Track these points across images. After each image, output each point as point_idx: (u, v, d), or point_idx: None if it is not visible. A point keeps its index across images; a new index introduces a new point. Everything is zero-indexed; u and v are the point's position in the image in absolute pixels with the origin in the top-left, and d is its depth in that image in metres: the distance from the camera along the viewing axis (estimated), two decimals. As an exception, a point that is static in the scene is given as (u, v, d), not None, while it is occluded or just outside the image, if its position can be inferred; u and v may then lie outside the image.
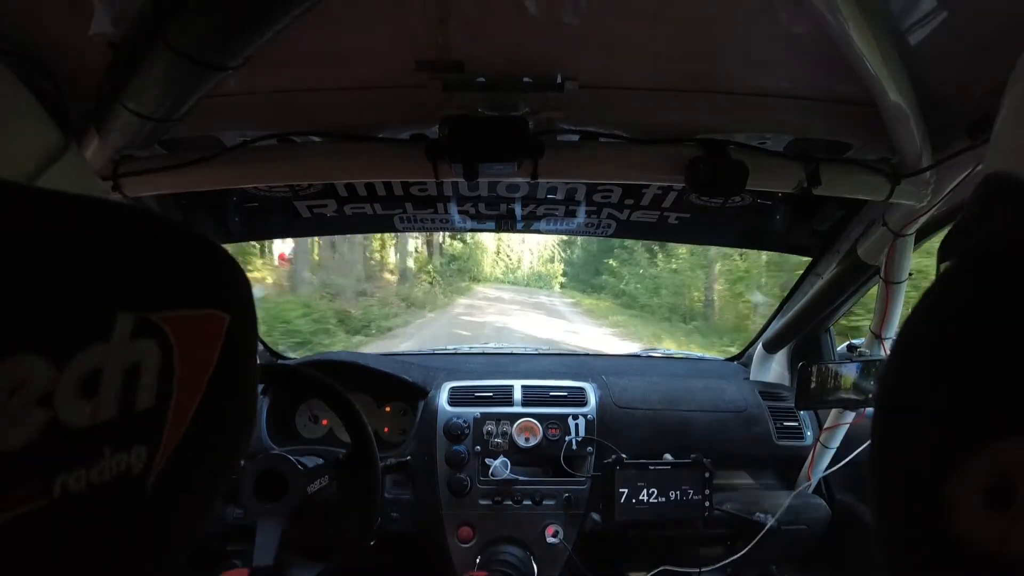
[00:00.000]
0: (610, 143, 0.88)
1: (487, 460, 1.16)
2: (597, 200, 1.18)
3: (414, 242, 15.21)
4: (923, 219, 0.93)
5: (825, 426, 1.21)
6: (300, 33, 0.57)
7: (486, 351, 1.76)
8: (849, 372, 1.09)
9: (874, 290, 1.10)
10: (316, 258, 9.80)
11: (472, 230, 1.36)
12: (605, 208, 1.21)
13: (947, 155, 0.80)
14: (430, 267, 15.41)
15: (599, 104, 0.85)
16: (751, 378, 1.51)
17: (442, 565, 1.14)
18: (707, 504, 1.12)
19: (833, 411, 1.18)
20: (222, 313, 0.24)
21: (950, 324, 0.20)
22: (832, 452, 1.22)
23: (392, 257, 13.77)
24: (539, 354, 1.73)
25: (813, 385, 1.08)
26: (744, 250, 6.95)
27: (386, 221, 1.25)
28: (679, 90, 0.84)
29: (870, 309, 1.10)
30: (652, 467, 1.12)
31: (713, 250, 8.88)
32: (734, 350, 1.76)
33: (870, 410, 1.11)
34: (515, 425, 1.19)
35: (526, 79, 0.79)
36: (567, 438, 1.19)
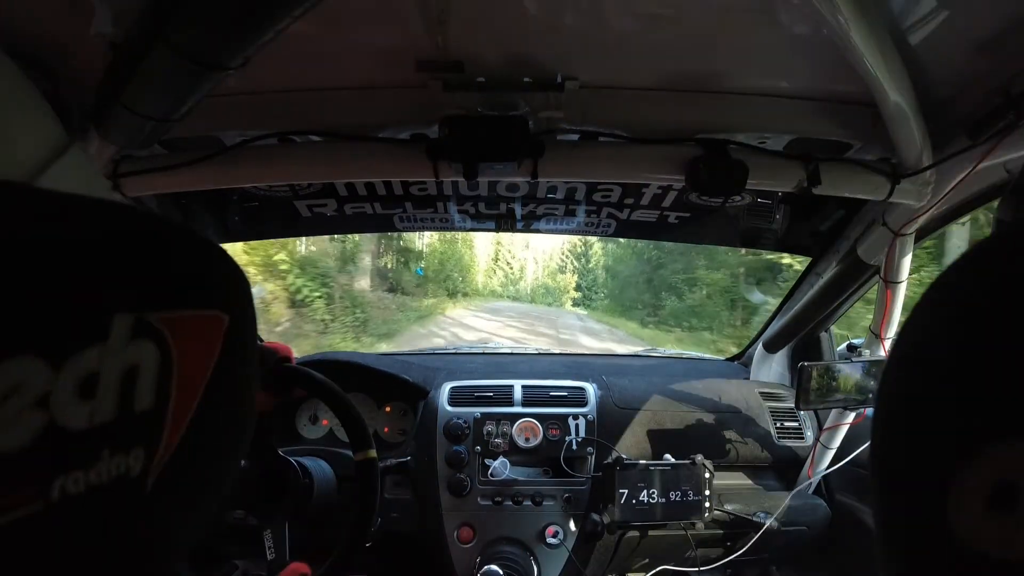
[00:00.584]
0: (610, 143, 0.88)
1: (487, 460, 1.16)
2: (597, 199, 1.18)
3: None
4: (923, 219, 0.93)
5: (825, 426, 1.21)
6: (300, 33, 0.57)
7: (486, 351, 1.76)
8: (849, 372, 1.09)
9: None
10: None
11: (472, 229, 1.36)
12: (605, 207, 1.21)
13: (947, 155, 0.80)
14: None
15: (599, 104, 0.85)
16: (751, 378, 1.51)
17: (442, 565, 1.14)
18: (707, 504, 1.12)
19: (833, 411, 1.18)
20: (221, 314, 0.24)
21: (951, 324, 0.20)
22: (832, 452, 1.21)
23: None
24: (539, 354, 1.73)
25: (813, 385, 1.08)
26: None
27: (386, 221, 1.25)
28: (679, 90, 0.84)
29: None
30: (652, 467, 1.12)
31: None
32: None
33: (870, 410, 1.11)
34: (515, 425, 1.19)
35: (526, 79, 0.79)
36: (567, 438, 1.19)
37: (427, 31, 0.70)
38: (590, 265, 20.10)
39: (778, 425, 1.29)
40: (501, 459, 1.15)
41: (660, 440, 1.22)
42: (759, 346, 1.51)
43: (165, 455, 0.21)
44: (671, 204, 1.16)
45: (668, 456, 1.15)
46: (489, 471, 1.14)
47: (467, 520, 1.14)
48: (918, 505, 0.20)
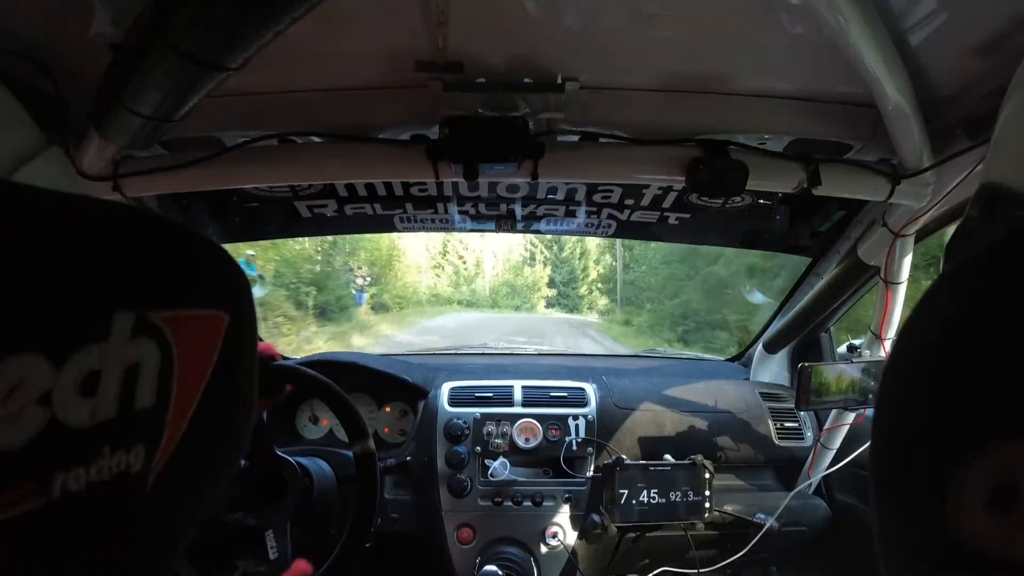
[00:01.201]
0: (610, 143, 0.88)
1: (487, 461, 1.16)
2: (597, 200, 1.18)
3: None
4: (923, 219, 0.94)
5: (825, 427, 1.21)
6: (300, 33, 0.57)
7: (486, 351, 1.76)
8: (849, 372, 1.09)
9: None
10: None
11: (472, 230, 1.36)
12: (605, 208, 1.21)
13: (947, 156, 0.80)
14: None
15: (599, 104, 0.85)
16: (751, 379, 1.51)
17: (442, 566, 1.14)
18: (707, 505, 1.12)
19: (833, 412, 1.18)
20: (221, 313, 0.24)
21: (952, 324, 0.20)
22: (832, 453, 1.21)
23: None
24: (539, 354, 1.74)
25: (813, 386, 1.08)
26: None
27: (386, 221, 1.25)
28: (679, 90, 0.84)
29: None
30: (652, 468, 1.12)
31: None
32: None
33: (870, 411, 1.11)
34: (515, 426, 1.19)
35: (526, 79, 0.79)
36: (567, 439, 1.19)
37: (427, 32, 0.70)
38: (564, 255, 16.38)
39: (778, 426, 1.29)
40: (501, 459, 1.15)
41: (660, 440, 1.22)
42: (759, 347, 1.51)
43: (166, 453, 0.21)
44: (671, 205, 1.16)
45: (668, 456, 1.15)
46: (489, 471, 1.14)
47: (467, 521, 1.14)
48: (918, 505, 0.20)
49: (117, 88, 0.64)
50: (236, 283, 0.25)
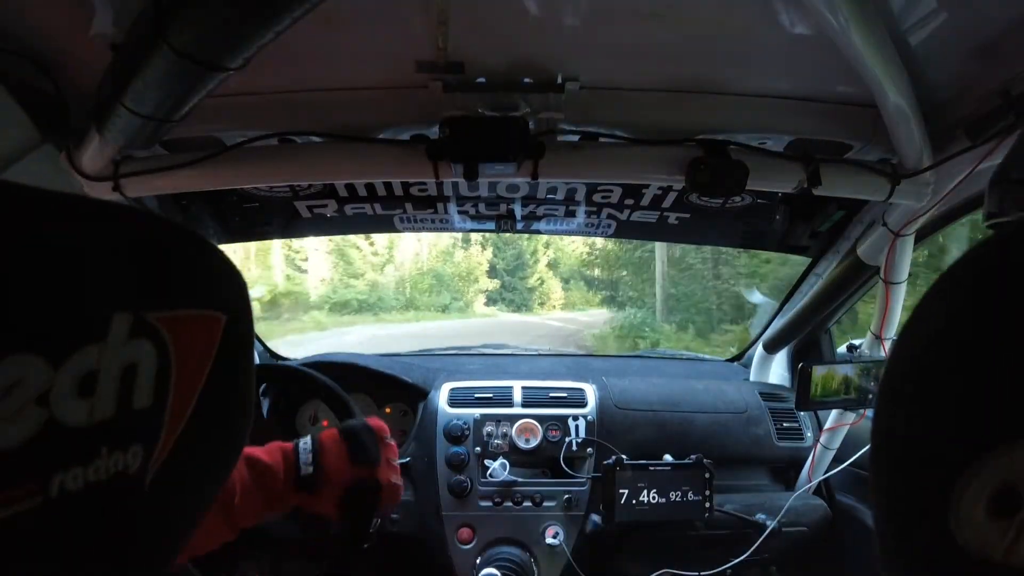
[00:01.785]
0: (610, 143, 0.88)
1: (487, 461, 1.16)
2: (597, 200, 1.18)
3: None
4: (923, 219, 0.94)
5: (825, 427, 1.21)
6: (300, 33, 0.57)
7: (486, 352, 1.76)
8: (849, 373, 1.09)
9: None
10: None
11: (472, 230, 1.36)
12: (605, 208, 1.21)
13: (947, 156, 0.80)
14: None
15: (599, 104, 0.85)
16: (751, 379, 1.51)
17: (442, 567, 1.14)
18: (707, 505, 1.12)
19: (833, 412, 1.18)
20: (219, 313, 0.24)
21: (952, 325, 0.20)
22: (832, 453, 1.21)
23: None
24: (539, 355, 1.73)
25: (813, 386, 1.08)
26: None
27: (386, 221, 1.25)
28: (679, 90, 0.84)
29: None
30: (652, 468, 1.11)
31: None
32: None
33: (871, 411, 1.11)
34: (515, 426, 1.19)
35: (526, 79, 0.79)
36: (567, 439, 1.19)
37: (428, 32, 0.71)
38: (512, 236, 9.82)
39: (778, 426, 1.29)
40: (501, 460, 1.15)
41: (660, 441, 1.22)
42: (759, 347, 1.50)
43: (163, 452, 0.21)
44: (671, 205, 1.16)
45: (668, 457, 1.15)
46: (489, 472, 1.14)
47: (467, 521, 1.14)
48: (919, 509, 0.20)
49: (117, 88, 0.64)
50: (233, 284, 0.25)
